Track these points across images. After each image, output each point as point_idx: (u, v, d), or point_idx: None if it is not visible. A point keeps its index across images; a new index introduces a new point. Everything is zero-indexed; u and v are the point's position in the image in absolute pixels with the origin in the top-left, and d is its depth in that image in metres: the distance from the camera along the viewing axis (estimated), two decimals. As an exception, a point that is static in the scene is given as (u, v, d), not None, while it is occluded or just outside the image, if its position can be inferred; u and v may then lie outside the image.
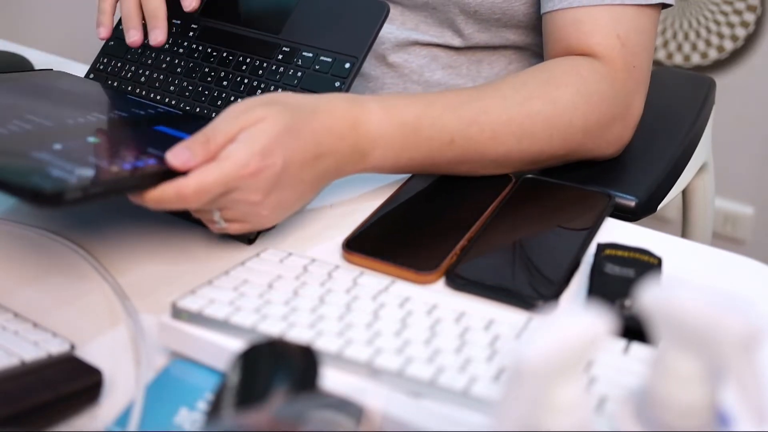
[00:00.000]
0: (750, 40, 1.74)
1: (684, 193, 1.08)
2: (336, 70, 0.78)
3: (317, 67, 0.79)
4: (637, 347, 0.57)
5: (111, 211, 0.78)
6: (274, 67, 0.80)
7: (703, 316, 0.40)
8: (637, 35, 0.83)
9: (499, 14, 0.90)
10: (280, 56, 0.80)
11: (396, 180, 0.79)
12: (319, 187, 0.71)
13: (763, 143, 1.79)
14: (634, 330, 0.58)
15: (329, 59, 0.78)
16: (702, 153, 1.01)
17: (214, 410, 0.47)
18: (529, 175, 0.80)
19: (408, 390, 0.54)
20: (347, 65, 0.77)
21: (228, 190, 0.64)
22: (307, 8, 0.82)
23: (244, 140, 0.64)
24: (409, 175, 0.79)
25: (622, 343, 0.57)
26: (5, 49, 1.05)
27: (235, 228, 0.67)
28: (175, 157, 0.62)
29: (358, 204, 0.77)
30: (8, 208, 0.77)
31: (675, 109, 1.01)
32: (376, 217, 0.74)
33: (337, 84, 0.77)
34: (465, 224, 0.72)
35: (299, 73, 0.79)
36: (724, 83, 1.72)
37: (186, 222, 0.75)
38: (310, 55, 0.79)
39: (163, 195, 0.62)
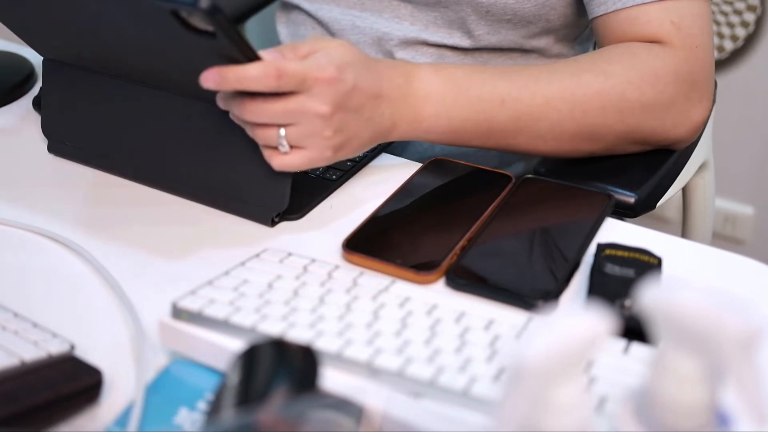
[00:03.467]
0: (750, 40, 1.74)
1: (684, 191, 1.08)
2: None
3: None
4: (637, 347, 0.57)
5: (111, 211, 0.78)
6: None
7: (703, 316, 0.40)
8: (692, 19, 0.83)
9: (510, 15, 0.90)
10: None
11: (396, 180, 0.79)
12: (375, 134, 0.74)
13: (763, 143, 1.79)
14: (634, 330, 0.58)
15: None
16: (702, 151, 1.01)
17: (214, 410, 0.47)
18: (529, 175, 0.80)
19: (408, 390, 0.54)
20: None
21: (302, 88, 0.68)
22: None
23: (324, 53, 0.70)
24: (409, 175, 0.79)
25: (622, 343, 0.57)
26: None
27: (295, 159, 0.70)
28: (268, 53, 0.69)
29: (358, 204, 0.76)
30: (8, 208, 0.77)
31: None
32: (376, 217, 0.74)
33: None
34: (465, 224, 0.72)
35: None
36: (724, 83, 1.72)
37: (186, 222, 0.75)
38: None
39: (247, 71, 0.66)
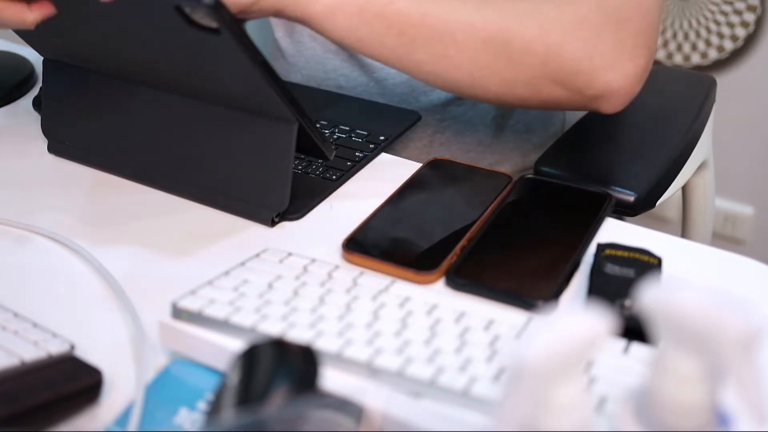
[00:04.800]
0: (750, 40, 1.74)
1: (684, 191, 1.08)
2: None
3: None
4: (637, 347, 0.57)
5: (111, 211, 0.78)
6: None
7: (703, 316, 0.40)
8: None
9: None
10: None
11: (396, 180, 0.79)
12: None
13: (763, 143, 1.79)
14: (634, 330, 0.58)
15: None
16: (702, 150, 1.01)
17: (214, 410, 0.47)
18: (529, 175, 0.80)
19: (408, 390, 0.54)
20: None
21: None
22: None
23: None
24: (409, 175, 0.79)
25: (622, 343, 0.57)
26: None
27: None
28: None
29: (358, 204, 0.76)
30: (8, 208, 0.77)
31: (676, 105, 1.01)
32: (376, 217, 0.74)
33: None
34: (465, 224, 0.72)
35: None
36: (724, 83, 1.72)
37: (186, 222, 0.75)
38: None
39: None
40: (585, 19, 0.73)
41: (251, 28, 1.29)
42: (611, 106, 0.77)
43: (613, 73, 0.74)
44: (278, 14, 0.74)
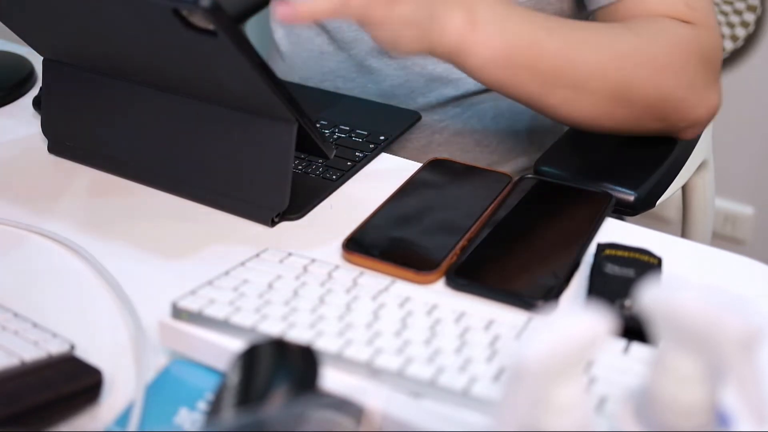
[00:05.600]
0: (750, 40, 1.74)
1: (684, 191, 1.08)
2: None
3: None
4: (637, 347, 0.57)
5: (111, 211, 0.78)
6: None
7: (703, 316, 0.40)
8: (702, 2, 0.84)
9: None
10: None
11: (396, 180, 0.79)
12: (426, 17, 0.71)
13: (763, 143, 1.79)
14: (634, 330, 0.58)
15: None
16: (702, 150, 1.01)
17: (214, 410, 0.47)
18: (529, 175, 0.80)
19: (408, 390, 0.54)
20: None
21: None
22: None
23: None
24: (409, 175, 0.79)
25: (622, 343, 0.57)
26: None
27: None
28: None
29: (358, 204, 0.76)
30: (8, 208, 0.77)
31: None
32: (376, 217, 0.74)
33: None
34: (465, 224, 0.72)
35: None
36: (724, 83, 1.71)
37: (186, 222, 0.75)
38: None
39: None
40: (688, 62, 0.81)
41: (250, 29, 1.30)
42: (694, 134, 0.87)
43: (703, 108, 0.83)
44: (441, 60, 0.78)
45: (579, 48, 0.78)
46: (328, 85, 1.02)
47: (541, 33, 0.76)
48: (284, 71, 1.06)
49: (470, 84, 0.97)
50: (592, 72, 0.78)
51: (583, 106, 0.80)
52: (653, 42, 0.80)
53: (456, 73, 0.96)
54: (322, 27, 1.00)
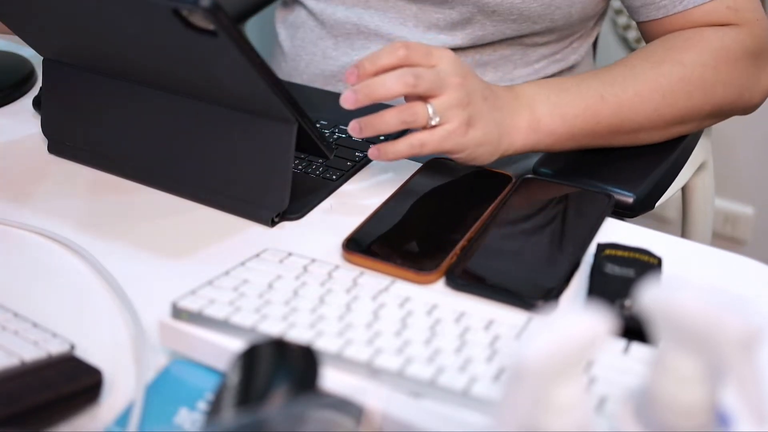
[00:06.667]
0: (750, 40, 1.74)
1: (684, 191, 1.08)
2: None
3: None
4: (637, 347, 0.57)
5: (111, 211, 0.78)
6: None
7: (703, 316, 0.40)
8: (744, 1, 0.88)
9: (516, 15, 0.91)
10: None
11: (396, 180, 0.79)
12: (500, 126, 0.76)
13: (763, 143, 1.79)
14: (634, 330, 0.58)
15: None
16: (701, 151, 1.01)
17: (214, 410, 0.47)
18: (529, 176, 0.80)
19: (408, 390, 0.54)
20: None
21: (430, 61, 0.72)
22: None
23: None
24: (409, 175, 0.79)
25: (622, 343, 0.57)
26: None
27: (436, 134, 0.73)
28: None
29: (358, 204, 0.76)
30: (8, 208, 0.77)
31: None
32: (376, 217, 0.74)
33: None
34: (465, 224, 0.72)
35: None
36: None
37: (186, 222, 0.75)
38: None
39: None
40: (735, 68, 0.86)
41: (253, 29, 1.30)
42: (752, 111, 0.92)
43: (758, 93, 0.89)
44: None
45: (631, 102, 0.82)
46: (330, 88, 1.02)
47: (594, 102, 0.81)
48: (288, 73, 1.06)
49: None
50: (648, 117, 0.83)
51: (645, 140, 0.86)
52: (698, 64, 0.84)
53: None
54: (327, 30, 1.00)
